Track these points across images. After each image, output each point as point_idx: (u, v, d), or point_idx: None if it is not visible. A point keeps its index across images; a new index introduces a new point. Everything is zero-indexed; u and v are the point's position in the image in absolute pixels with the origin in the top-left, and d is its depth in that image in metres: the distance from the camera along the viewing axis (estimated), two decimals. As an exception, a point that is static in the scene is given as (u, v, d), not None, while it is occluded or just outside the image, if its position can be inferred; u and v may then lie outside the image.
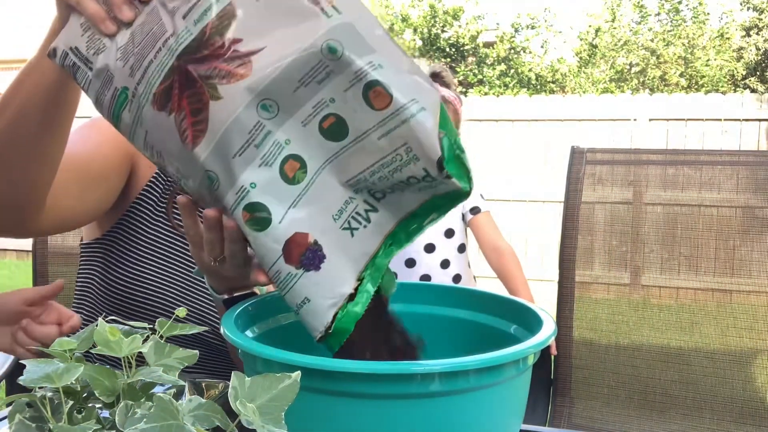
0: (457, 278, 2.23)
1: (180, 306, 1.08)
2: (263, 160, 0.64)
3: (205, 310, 1.12)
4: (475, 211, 2.27)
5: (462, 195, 0.64)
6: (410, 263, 2.20)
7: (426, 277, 2.18)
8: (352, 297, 0.66)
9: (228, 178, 0.65)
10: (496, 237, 2.23)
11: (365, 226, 0.66)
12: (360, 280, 0.66)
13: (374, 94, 0.61)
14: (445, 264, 2.23)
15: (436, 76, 2.24)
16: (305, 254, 0.65)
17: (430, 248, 2.22)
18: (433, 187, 0.64)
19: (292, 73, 0.61)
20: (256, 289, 0.88)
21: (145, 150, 0.70)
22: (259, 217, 0.65)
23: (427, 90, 0.62)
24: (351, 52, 0.60)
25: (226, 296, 0.86)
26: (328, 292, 0.65)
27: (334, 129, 0.63)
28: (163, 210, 1.11)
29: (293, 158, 0.64)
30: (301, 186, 0.65)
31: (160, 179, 1.11)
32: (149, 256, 1.09)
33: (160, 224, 1.10)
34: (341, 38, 0.60)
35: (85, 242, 1.15)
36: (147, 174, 1.10)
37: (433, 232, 2.24)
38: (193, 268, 1.12)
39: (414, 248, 2.20)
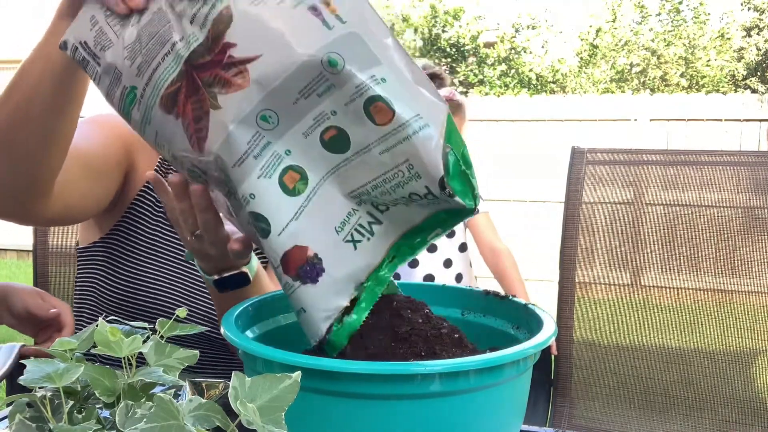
0: (459, 277, 2.24)
1: (183, 305, 1.08)
2: (262, 171, 0.63)
3: (209, 309, 1.11)
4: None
5: (466, 212, 0.62)
6: (413, 263, 2.20)
7: (429, 277, 2.19)
8: (348, 310, 0.65)
9: (231, 185, 0.65)
10: (493, 238, 2.24)
11: (368, 239, 0.66)
12: (359, 292, 0.66)
13: (375, 109, 0.59)
14: (447, 263, 2.24)
15: (434, 77, 2.24)
16: (303, 267, 0.64)
17: (432, 248, 2.23)
18: (436, 203, 0.62)
19: (292, 85, 0.60)
20: (246, 269, 0.88)
21: (158, 148, 0.71)
22: (259, 227, 0.64)
23: (434, 103, 0.60)
24: (352, 66, 0.59)
25: (216, 277, 0.86)
26: (323, 305, 0.65)
27: (336, 141, 0.62)
28: (162, 210, 1.11)
29: (293, 169, 0.64)
30: (302, 197, 0.64)
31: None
32: (151, 257, 1.09)
33: (160, 224, 1.10)
34: (343, 51, 0.58)
35: (83, 246, 1.15)
36: (145, 173, 1.10)
37: None
38: (194, 267, 1.12)
39: None
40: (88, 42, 0.70)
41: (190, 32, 0.63)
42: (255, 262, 0.91)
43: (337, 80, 0.59)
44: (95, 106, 1.13)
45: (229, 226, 0.81)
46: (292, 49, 0.59)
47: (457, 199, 0.61)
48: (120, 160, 1.06)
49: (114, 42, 0.68)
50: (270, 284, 0.95)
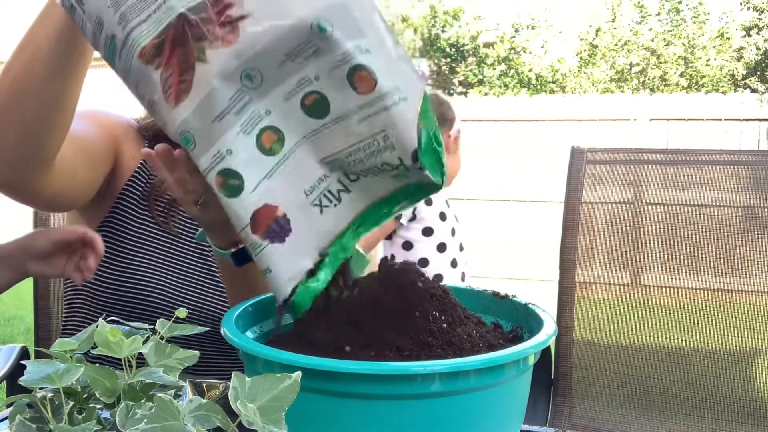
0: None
1: (174, 301, 1.09)
2: (241, 128, 0.64)
3: (201, 305, 1.12)
4: None
5: (434, 187, 0.65)
6: (423, 263, 2.23)
7: (438, 277, 2.21)
8: (312, 273, 0.67)
9: (205, 141, 0.65)
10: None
11: (335, 205, 0.67)
12: (322, 257, 0.67)
13: (359, 77, 0.61)
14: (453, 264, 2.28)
15: (444, 121, 2.32)
16: (272, 227, 0.66)
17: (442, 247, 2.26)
18: (406, 176, 0.64)
19: (280, 46, 0.62)
20: None
21: (139, 98, 0.71)
22: (232, 185, 0.65)
23: (413, 80, 0.62)
24: (340, 33, 0.60)
25: (233, 250, 0.86)
26: (290, 266, 0.66)
27: (316, 106, 0.64)
28: (146, 205, 1.12)
29: (271, 129, 0.65)
30: (276, 158, 0.66)
31: (142, 174, 1.12)
32: (140, 250, 1.10)
33: (146, 218, 1.11)
34: (332, 18, 0.60)
35: None
36: (130, 167, 1.11)
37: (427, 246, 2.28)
38: (185, 262, 1.12)
39: (428, 250, 2.25)
40: None
41: None
42: None
43: (324, 46, 0.61)
44: (83, 103, 1.14)
45: None
46: (283, 11, 0.61)
47: (427, 173, 0.63)
48: (108, 149, 1.08)
49: None
50: None
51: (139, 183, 1.12)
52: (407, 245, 2.25)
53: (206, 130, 0.65)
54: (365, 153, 0.64)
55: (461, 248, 2.30)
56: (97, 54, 0.84)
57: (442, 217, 2.28)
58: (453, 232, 2.28)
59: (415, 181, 0.65)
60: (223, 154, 0.65)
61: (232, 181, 0.65)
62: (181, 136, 0.66)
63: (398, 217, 2.23)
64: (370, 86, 0.61)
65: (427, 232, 2.24)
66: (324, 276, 0.67)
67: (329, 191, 0.67)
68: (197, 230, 1.15)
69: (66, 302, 1.18)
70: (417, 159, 0.62)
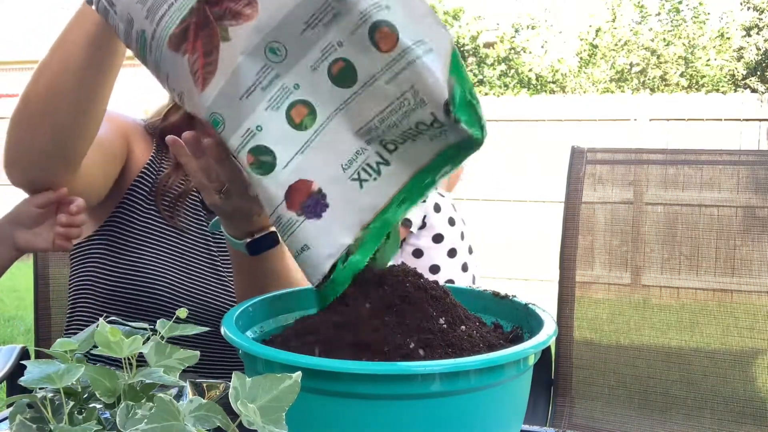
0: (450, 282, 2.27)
1: (179, 296, 1.09)
2: (269, 103, 0.63)
3: (206, 300, 1.12)
4: None
5: (474, 143, 0.62)
6: (434, 269, 2.23)
7: (450, 283, 2.22)
8: (353, 249, 0.65)
9: (234, 120, 0.64)
10: None
11: (375, 179, 0.65)
12: (364, 233, 0.65)
13: (380, 35, 0.59)
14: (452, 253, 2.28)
15: None
16: (307, 202, 0.64)
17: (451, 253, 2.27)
18: (443, 134, 0.62)
19: (298, 14, 0.61)
20: (274, 228, 0.89)
21: (172, 92, 0.71)
22: (264, 161, 0.64)
23: (439, 33, 0.60)
24: None
25: (248, 240, 0.87)
26: (328, 241, 0.65)
27: (344, 74, 0.62)
28: (153, 200, 1.12)
29: (301, 103, 0.64)
30: (309, 132, 0.64)
31: (150, 171, 1.12)
32: (144, 247, 1.10)
33: (152, 214, 1.12)
34: None
35: (78, 241, 1.16)
36: (139, 165, 1.12)
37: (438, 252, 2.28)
38: (190, 257, 1.13)
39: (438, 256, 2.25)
40: None
41: None
42: None
43: (342, 8, 0.60)
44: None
45: None
46: None
47: (463, 126, 0.60)
48: (122, 149, 1.10)
49: None
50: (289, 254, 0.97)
51: (147, 180, 1.12)
52: (417, 253, 2.25)
53: (234, 108, 0.64)
54: (398, 115, 0.61)
55: (470, 251, 2.31)
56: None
57: (451, 222, 2.28)
58: (462, 236, 2.28)
59: (453, 140, 0.62)
60: (253, 130, 0.64)
61: (264, 158, 0.64)
62: (210, 118, 0.66)
63: (408, 226, 2.23)
64: (392, 42, 0.59)
65: (438, 238, 2.25)
66: (365, 252, 0.65)
67: (368, 165, 0.65)
68: (203, 226, 1.15)
69: (70, 297, 1.18)
70: (450, 112, 0.59)
